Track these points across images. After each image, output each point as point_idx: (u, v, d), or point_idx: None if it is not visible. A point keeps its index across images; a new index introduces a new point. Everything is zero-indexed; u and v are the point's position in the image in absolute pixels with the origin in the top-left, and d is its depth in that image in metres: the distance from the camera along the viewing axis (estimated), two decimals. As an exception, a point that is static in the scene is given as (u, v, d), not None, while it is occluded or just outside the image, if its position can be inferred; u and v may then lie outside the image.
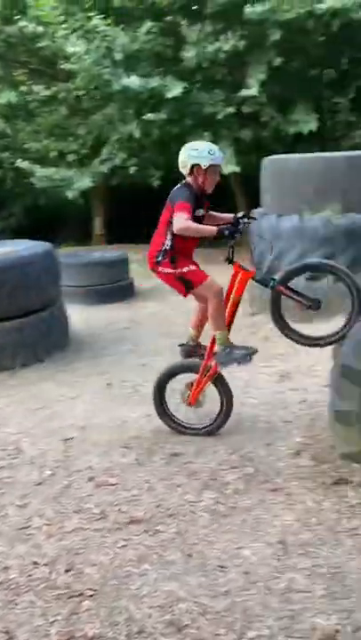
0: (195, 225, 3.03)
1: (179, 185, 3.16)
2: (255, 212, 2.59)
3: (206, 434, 3.39)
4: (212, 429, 3.39)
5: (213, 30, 8.59)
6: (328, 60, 9.17)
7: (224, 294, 3.19)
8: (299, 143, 9.73)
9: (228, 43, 8.26)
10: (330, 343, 3.14)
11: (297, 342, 3.25)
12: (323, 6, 7.48)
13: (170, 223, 3.06)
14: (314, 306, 3.09)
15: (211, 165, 3.07)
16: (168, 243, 3.10)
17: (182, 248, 3.15)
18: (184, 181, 3.16)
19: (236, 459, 3.09)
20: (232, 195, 10.86)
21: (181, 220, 2.97)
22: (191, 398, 3.39)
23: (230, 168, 8.76)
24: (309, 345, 3.24)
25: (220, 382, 3.35)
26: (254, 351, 3.23)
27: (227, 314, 3.21)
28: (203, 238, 3.13)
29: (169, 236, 3.09)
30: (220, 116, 8.80)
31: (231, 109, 8.77)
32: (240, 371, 4.41)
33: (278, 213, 5.54)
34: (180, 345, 3.51)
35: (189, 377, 3.43)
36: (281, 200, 5.56)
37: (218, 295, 3.12)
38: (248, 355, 3.18)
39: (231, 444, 3.28)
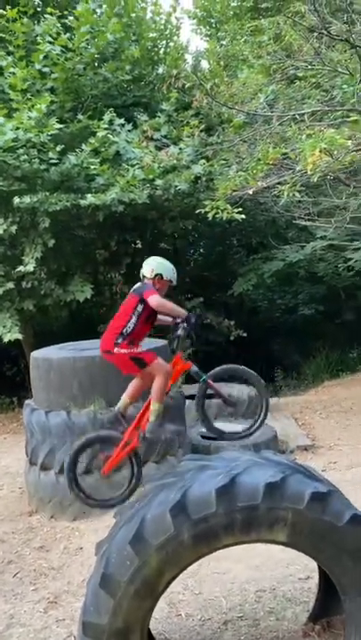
0: (170, 303, 3.63)
1: (140, 283, 3.75)
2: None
3: (110, 507, 3.66)
4: (119, 502, 3.61)
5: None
6: (99, 241, 10.12)
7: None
8: (81, 309, 10.36)
9: (1, 227, 8.68)
10: (241, 438, 3.89)
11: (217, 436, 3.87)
12: (85, 202, 8.36)
13: (135, 309, 3.63)
14: (231, 404, 4.08)
15: (170, 280, 3.76)
16: (130, 326, 3.63)
17: (139, 333, 3.69)
18: (145, 281, 3.75)
19: None
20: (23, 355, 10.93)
21: (158, 298, 3.56)
22: (106, 468, 3.70)
23: (14, 336, 8.86)
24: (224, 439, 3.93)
25: (135, 456, 3.71)
26: (182, 431, 4.03)
27: None
28: (161, 324, 3.86)
29: (133, 320, 3.63)
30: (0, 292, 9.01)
31: (11, 285, 9.04)
32: (5, 602, 4.17)
33: (47, 409, 5.62)
34: (110, 408, 3.85)
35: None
36: (48, 395, 5.68)
37: (168, 373, 3.65)
38: (176, 434, 3.86)
39: None
